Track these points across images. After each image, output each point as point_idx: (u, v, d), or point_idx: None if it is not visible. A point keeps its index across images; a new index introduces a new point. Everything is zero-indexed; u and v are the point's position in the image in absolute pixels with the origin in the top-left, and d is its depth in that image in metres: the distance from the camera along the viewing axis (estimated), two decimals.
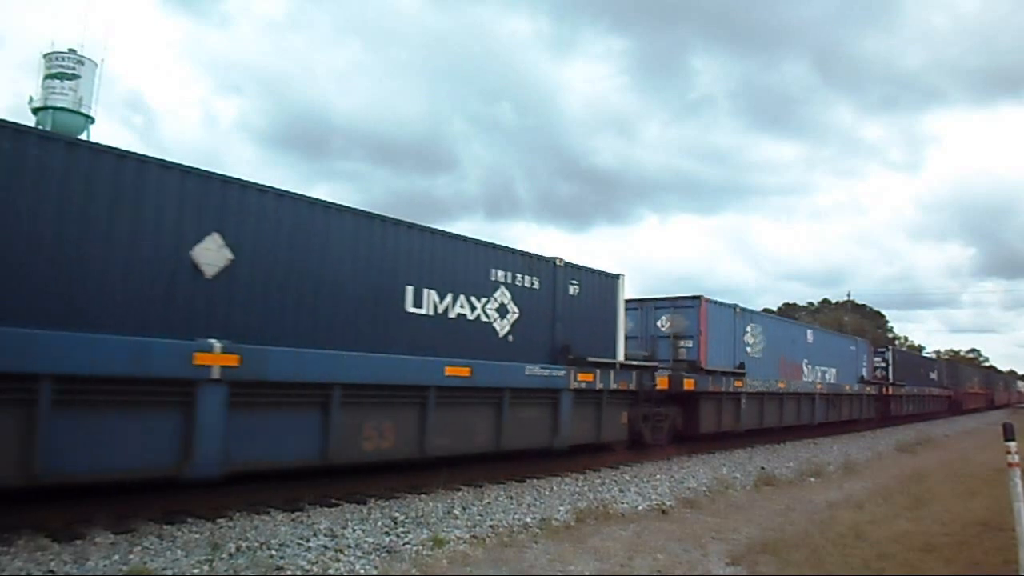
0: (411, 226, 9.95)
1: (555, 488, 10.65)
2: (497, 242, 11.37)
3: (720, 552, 6.91)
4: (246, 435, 7.58)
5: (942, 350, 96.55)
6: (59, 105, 41.83)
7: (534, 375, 11.11)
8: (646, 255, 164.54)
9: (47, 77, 42.43)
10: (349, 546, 6.64)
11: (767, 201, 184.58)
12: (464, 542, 7.04)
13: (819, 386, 22.05)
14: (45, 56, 42.86)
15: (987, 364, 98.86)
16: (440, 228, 10.44)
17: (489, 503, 9.17)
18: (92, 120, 43.28)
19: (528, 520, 8.22)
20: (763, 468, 13.71)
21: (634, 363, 13.54)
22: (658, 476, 12.29)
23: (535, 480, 11.19)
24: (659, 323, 16.79)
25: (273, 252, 8.29)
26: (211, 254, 7.69)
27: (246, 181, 8.16)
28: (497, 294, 11.10)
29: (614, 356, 13.16)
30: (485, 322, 10.91)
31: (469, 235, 10.88)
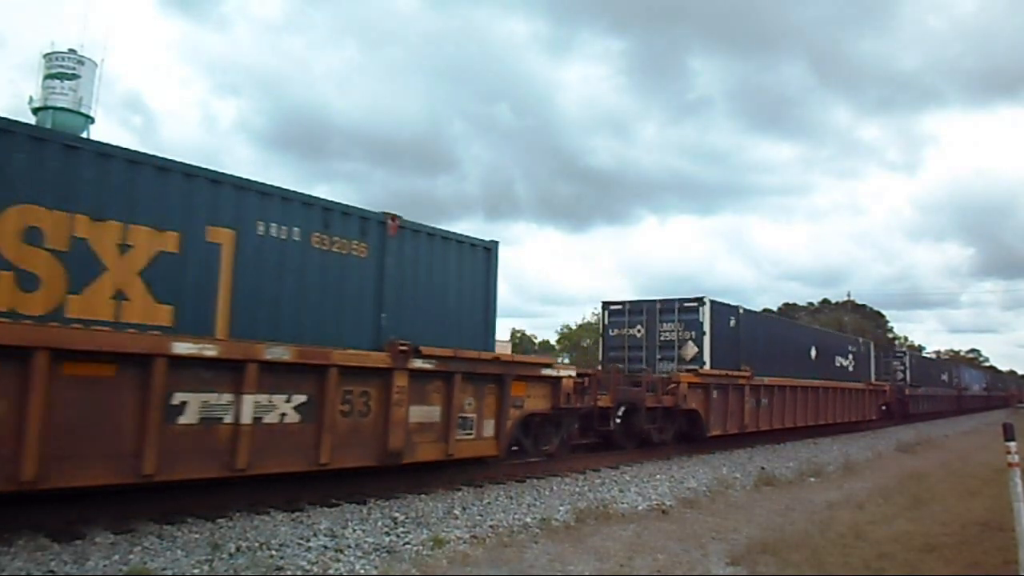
0: None
1: (555, 488, 10.65)
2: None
3: (720, 552, 6.91)
4: None
5: (942, 350, 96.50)
6: (59, 105, 41.93)
7: None
8: (645, 255, 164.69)
9: (47, 77, 42.50)
10: (349, 546, 6.65)
11: (765, 201, 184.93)
12: (464, 542, 7.04)
13: None
14: (45, 56, 42.91)
15: (987, 364, 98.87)
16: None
17: (489, 503, 9.17)
18: (92, 120, 43.38)
19: (528, 520, 8.22)
20: (763, 468, 13.72)
21: None
22: (658, 476, 12.29)
23: (535, 480, 11.19)
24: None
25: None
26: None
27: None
28: None
29: None
30: None
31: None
